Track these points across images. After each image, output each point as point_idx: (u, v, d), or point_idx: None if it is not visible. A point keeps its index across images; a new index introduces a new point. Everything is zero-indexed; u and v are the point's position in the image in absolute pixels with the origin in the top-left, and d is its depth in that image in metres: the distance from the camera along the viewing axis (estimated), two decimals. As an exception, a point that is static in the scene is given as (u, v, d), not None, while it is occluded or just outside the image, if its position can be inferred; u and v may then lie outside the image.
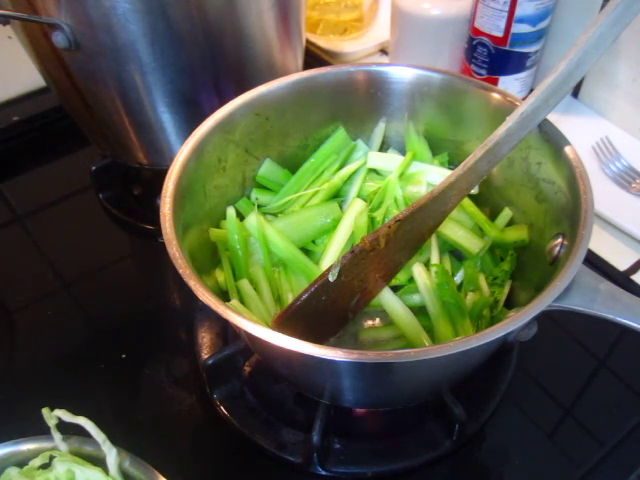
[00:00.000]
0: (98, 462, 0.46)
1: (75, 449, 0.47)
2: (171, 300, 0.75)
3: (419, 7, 0.86)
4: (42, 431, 0.47)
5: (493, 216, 0.63)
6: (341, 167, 0.67)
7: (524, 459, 0.57)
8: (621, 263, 0.72)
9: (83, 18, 0.59)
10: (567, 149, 0.52)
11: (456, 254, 0.64)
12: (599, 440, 0.58)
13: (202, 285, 0.44)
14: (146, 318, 0.72)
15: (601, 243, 0.74)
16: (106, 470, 0.45)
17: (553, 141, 0.53)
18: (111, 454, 0.45)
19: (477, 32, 0.84)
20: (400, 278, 0.60)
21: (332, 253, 0.60)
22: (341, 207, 0.65)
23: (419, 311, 0.58)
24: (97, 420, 0.47)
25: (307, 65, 0.79)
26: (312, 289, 0.52)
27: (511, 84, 0.87)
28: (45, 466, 0.46)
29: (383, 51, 1.07)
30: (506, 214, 0.62)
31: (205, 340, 0.65)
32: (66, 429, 0.47)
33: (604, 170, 0.81)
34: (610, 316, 0.44)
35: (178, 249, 0.46)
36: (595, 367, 0.64)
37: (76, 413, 0.47)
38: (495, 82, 0.87)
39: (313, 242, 0.64)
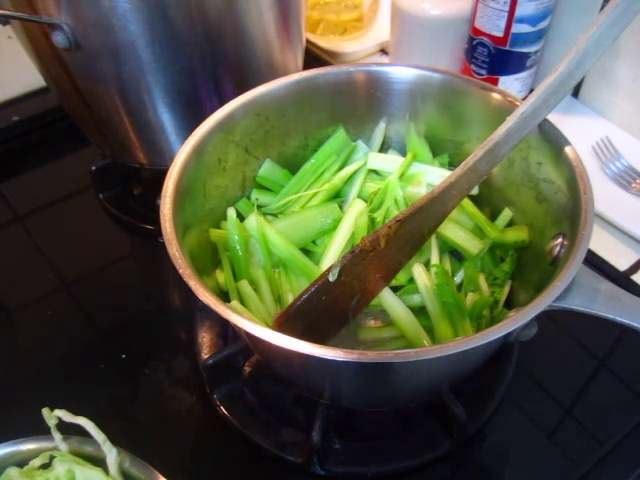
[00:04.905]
0: (98, 462, 0.46)
1: (75, 449, 0.47)
2: (171, 300, 0.75)
3: (419, 7, 0.86)
4: (42, 431, 0.47)
5: (493, 216, 0.63)
6: (341, 168, 0.67)
7: (524, 459, 0.58)
8: (621, 263, 0.72)
9: (83, 18, 0.59)
10: (567, 149, 0.51)
11: (456, 254, 0.63)
12: (599, 440, 0.58)
13: (202, 285, 0.44)
14: (146, 318, 0.72)
15: (601, 243, 0.74)
16: (106, 470, 0.45)
17: (553, 141, 0.53)
18: (111, 454, 0.45)
19: (477, 32, 0.84)
20: (400, 278, 0.60)
21: (332, 253, 0.60)
22: (341, 208, 0.65)
23: (419, 311, 0.58)
24: (97, 420, 0.47)
25: (307, 65, 0.79)
26: (312, 289, 0.52)
27: (511, 84, 0.87)
28: (45, 466, 0.46)
29: (383, 51, 1.07)
30: (506, 214, 0.62)
31: (205, 340, 0.65)
32: (66, 429, 0.47)
33: (604, 170, 0.81)
34: (610, 316, 0.44)
35: (178, 249, 0.46)
36: (595, 367, 0.64)
37: (76, 413, 0.47)
38: (495, 82, 0.87)
39: (313, 243, 0.64)
